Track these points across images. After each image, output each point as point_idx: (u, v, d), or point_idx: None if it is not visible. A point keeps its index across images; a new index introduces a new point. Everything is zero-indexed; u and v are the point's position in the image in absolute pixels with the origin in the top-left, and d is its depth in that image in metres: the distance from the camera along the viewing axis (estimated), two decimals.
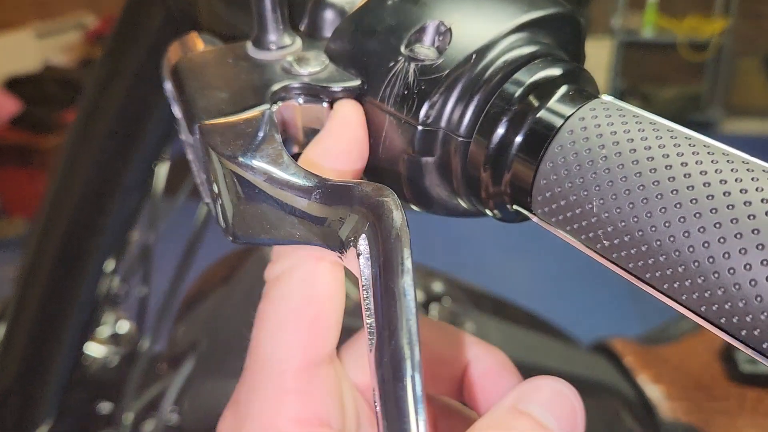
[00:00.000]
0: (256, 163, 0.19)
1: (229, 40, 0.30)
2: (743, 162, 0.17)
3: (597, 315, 2.40)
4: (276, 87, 0.21)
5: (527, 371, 0.71)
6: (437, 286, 0.71)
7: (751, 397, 0.83)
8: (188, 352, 0.63)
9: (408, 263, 0.15)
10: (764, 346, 0.15)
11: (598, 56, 4.24)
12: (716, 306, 0.16)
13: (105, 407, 0.61)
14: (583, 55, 0.23)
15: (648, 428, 0.79)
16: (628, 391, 0.82)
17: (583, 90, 0.20)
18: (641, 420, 0.79)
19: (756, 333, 0.15)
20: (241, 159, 0.19)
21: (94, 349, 0.63)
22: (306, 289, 0.20)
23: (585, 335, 0.98)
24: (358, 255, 0.16)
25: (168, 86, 0.25)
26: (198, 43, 0.26)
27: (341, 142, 0.20)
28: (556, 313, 1.03)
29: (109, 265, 0.46)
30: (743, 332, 0.15)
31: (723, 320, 0.16)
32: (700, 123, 4.47)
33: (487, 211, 0.21)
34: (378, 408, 0.15)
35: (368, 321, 0.16)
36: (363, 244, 0.16)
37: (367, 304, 0.16)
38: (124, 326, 0.66)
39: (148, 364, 0.62)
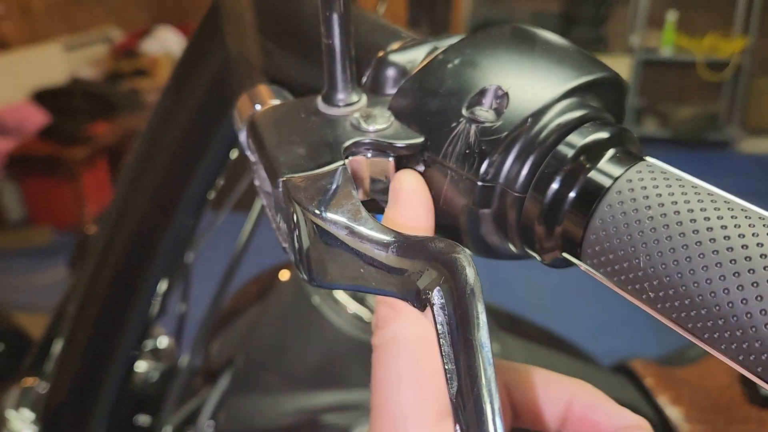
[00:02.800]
0: (338, 217, 0.21)
1: (289, 86, 0.32)
2: None
3: (617, 334, 2.40)
4: (347, 143, 0.24)
5: None
6: None
7: None
8: (224, 368, 0.65)
9: (483, 317, 0.17)
10: None
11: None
12: (753, 356, 0.17)
13: (144, 420, 0.63)
14: (623, 107, 0.25)
15: None
16: (648, 412, 0.84)
17: (629, 151, 0.22)
18: None
19: None
20: (322, 212, 0.21)
21: (137, 365, 0.66)
22: (421, 348, 0.21)
23: (604, 354, 0.99)
24: (433, 305, 0.18)
25: (243, 137, 0.27)
26: (266, 94, 0.29)
27: (414, 210, 0.22)
28: (577, 332, 1.04)
29: (162, 285, 0.49)
30: None
31: (760, 369, 0.18)
32: (717, 142, 4.46)
33: (537, 257, 0.23)
34: None
35: (447, 367, 0.17)
36: (437, 296, 0.18)
37: (447, 353, 0.18)
38: (163, 342, 0.68)
39: (187, 379, 0.65)
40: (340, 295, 0.64)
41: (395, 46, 0.27)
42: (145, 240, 0.46)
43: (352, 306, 0.64)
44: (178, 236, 0.46)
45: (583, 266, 0.22)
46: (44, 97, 3.18)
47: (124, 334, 0.48)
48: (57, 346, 0.57)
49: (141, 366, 0.65)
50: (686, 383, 0.90)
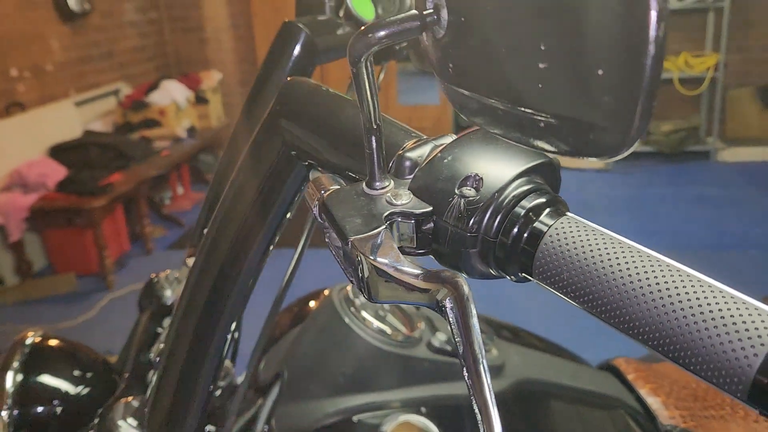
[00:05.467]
0: (385, 260, 0.33)
1: (336, 171, 0.47)
2: (654, 258, 0.29)
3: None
4: (386, 213, 0.35)
5: (546, 389, 0.86)
6: None
7: (741, 404, 0.98)
8: (273, 381, 0.76)
9: (474, 312, 0.30)
10: (691, 368, 0.26)
11: None
12: (663, 346, 0.27)
13: (211, 430, 0.73)
14: (558, 184, 0.37)
15: None
16: (632, 403, 0.92)
17: (558, 210, 0.33)
18: (645, 428, 0.89)
19: (712, 372, 0.26)
20: (376, 258, 0.34)
21: None
22: None
23: (593, 356, 1.08)
24: (445, 308, 0.31)
25: (316, 211, 0.39)
26: (326, 182, 0.41)
27: None
28: (567, 337, 1.16)
29: (233, 325, 0.61)
30: (707, 373, 0.26)
31: (671, 354, 0.27)
32: (698, 153, 4.63)
33: (507, 277, 0.36)
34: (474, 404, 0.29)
35: (457, 340, 0.30)
36: (449, 303, 0.31)
37: (456, 333, 0.30)
38: (226, 363, 0.77)
39: (243, 393, 0.74)
40: (366, 314, 0.77)
41: (409, 144, 0.40)
42: (222, 289, 0.57)
43: (376, 323, 0.77)
44: (246, 285, 0.58)
45: (535, 281, 0.33)
46: (61, 152, 3.36)
47: (207, 363, 0.60)
48: (151, 373, 0.70)
49: None
50: (666, 376, 1.00)
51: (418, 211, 0.35)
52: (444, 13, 0.31)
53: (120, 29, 4.39)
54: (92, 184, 3.10)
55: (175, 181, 4.17)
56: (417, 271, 0.33)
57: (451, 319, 0.31)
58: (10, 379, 0.68)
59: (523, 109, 0.29)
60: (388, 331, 0.77)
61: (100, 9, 4.12)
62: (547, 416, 0.86)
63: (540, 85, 0.27)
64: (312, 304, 0.85)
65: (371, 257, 0.34)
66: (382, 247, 0.34)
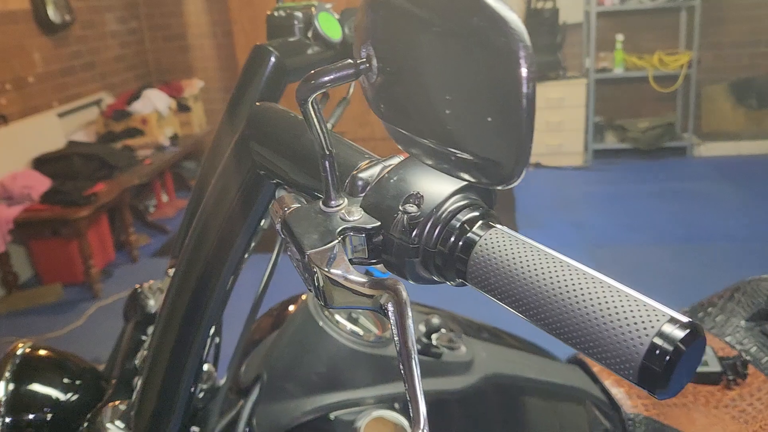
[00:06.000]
0: (338, 271, 0.39)
1: (300, 190, 0.52)
2: (565, 263, 0.34)
3: None
4: (339, 229, 0.39)
5: (513, 383, 0.91)
6: (435, 320, 0.87)
7: (703, 393, 0.98)
8: (254, 383, 0.79)
9: (409, 313, 0.35)
10: (597, 356, 0.31)
11: (576, 95, 4.50)
12: (574, 339, 0.31)
13: (195, 430, 0.77)
14: (494, 199, 0.42)
15: (615, 422, 0.93)
16: (597, 394, 0.97)
17: (489, 223, 0.37)
18: (609, 416, 0.93)
19: (610, 359, 0.30)
20: (330, 269, 0.39)
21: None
22: None
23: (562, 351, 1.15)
24: (388, 311, 0.36)
25: (279, 227, 0.44)
26: (289, 200, 0.48)
27: None
28: (539, 334, 1.21)
29: (212, 330, 0.65)
30: (606, 359, 0.30)
31: (579, 346, 0.31)
32: (675, 149, 4.72)
33: (447, 282, 0.40)
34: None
35: (396, 340, 0.35)
36: (390, 306, 0.35)
37: (396, 333, 0.34)
38: (205, 367, 0.80)
39: (224, 395, 0.79)
40: (339, 317, 0.81)
41: (362, 165, 0.44)
42: (201, 297, 0.61)
43: (349, 325, 0.81)
44: (223, 292, 0.62)
45: (470, 286, 0.39)
46: (44, 163, 3.38)
47: (188, 366, 0.64)
48: (136, 379, 0.73)
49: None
50: None
51: (368, 226, 0.40)
52: (374, 62, 0.36)
53: (101, 40, 4.40)
54: (76, 194, 3.12)
55: (159, 189, 4.19)
56: (364, 280, 0.37)
57: (391, 320, 0.35)
58: (2, 389, 0.71)
59: (441, 145, 0.34)
60: (360, 332, 0.81)
61: (81, 20, 4.14)
62: (514, 409, 0.90)
63: (449, 127, 0.33)
64: (291, 308, 0.89)
65: (325, 269, 0.38)
66: (335, 259, 0.39)
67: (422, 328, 0.86)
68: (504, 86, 0.29)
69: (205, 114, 4.74)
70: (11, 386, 0.72)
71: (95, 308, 3.05)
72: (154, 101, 4.08)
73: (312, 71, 0.37)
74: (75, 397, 0.76)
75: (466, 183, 0.39)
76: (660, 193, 4.06)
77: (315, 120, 0.39)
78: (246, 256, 0.66)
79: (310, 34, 0.79)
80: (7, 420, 0.70)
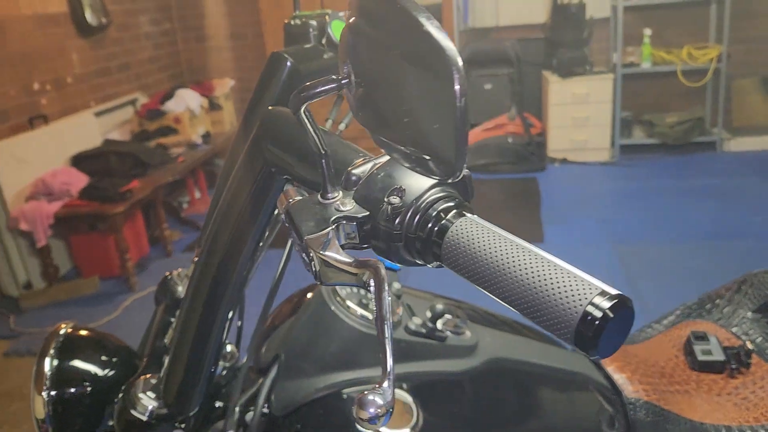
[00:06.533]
0: (330, 253, 0.45)
1: (306, 185, 0.59)
2: (521, 246, 0.39)
3: None
4: (333, 218, 0.45)
5: (516, 367, 0.96)
6: (440, 306, 0.91)
7: (707, 381, 1.00)
8: (273, 362, 0.86)
9: (386, 289, 0.41)
10: (557, 332, 0.35)
11: (602, 90, 4.49)
12: (535, 314, 0.37)
13: (219, 404, 0.84)
14: (470, 192, 0.48)
15: (617, 407, 0.96)
16: (600, 379, 1.00)
17: (462, 212, 0.43)
18: (611, 400, 0.97)
19: (553, 325, 0.36)
20: (323, 251, 0.45)
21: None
22: None
23: None
24: (370, 286, 0.42)
25: (283, 217, 0.51)
26: (292, 193, 0.54)
27: None
28: None
29: (231, 313, 0.72)
30: (550, 326, 0.36)
31: (545, 323, 0.36)
32: (704, 144, 4.68)
33: (426, 264, 0.46)
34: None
35: (376, 312, 0.41)
36: (371, 282, 0.42)
37: (374, 306, 0.43)
38: (228, 348, 0.88)
39: (245, 373, 0.85)
40: (350, 303, 0.87)
41: (357, 162, 0.50)
42: (221, 281, 0.68)
43: (359, 310, 0.86)
44: (241, 276, 0.68)
45: (446, 267, 0.45)
46: (82, 161, 3.52)
47: (210, 344, 0.71)
48: (165, 355, 0.79)
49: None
50: (635, 356, 1.08)
51: (359, 215, 0.46)
52: (353, 78, 0.43)
53: (136, 41, 4.55)
54: (112, 191, 3.24)
55: (191, 186, 4.31)
56: (350, 260, 0.44)
57: (372, 294, 0.42)
58: (48, 364, 0.79)
59: (406, 146, 0.41)
60: (370, 316, 0.88)
61: (117, 22, 4.28)
62: (517, 391, 0.95)
63: (409, 132, 0.40)
64: (308, 295, 0.95)
65: (319, 251, 0.45)
66: (328, 244, 0.45)
67: (428, 313, 0.92)
68: (444, 100, 0.36)
69: (235, 112, 4.85)
70: (55, 362, 0.80)
71: (131, 300, 3.18)
72: (186, 100, 4.20)
73: (302, 85, 0.44)
74: (112, 372, 0.83)
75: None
76: (688, 189, 4.03)
77: (309, 126, 0.46)
78: (261, 244, 0.73)
79: (324, 41, 0.85)
80: (52, 393, 0.78)
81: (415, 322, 0.90)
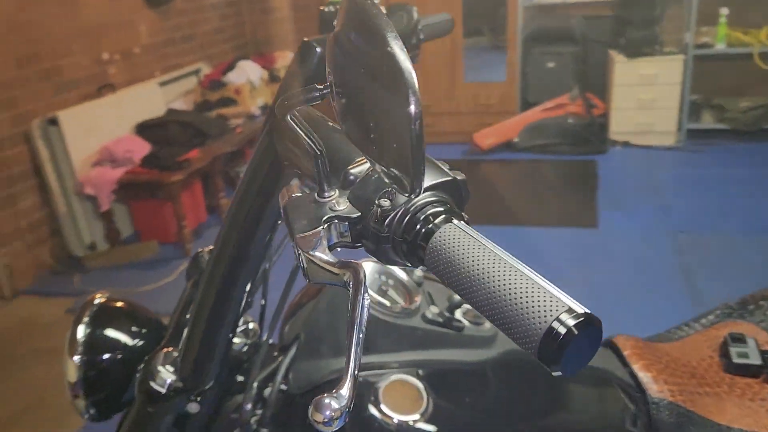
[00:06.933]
0: (316, 253, 0.46)
1: (310, 178, 0.60)
2: (500, 258, 0.41)
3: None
4: (326, 217, 0.45)
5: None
6: (457, 297, 0.91)
7: (740, 384, 0.98)
8: (293, 342, 0.89)
9: (363, 290, 0.42)
10: (524, 345, 0.36)
11: (671, 72, 4.30)
12: (510, 329, 0.37)
13: (240, 378, 0.88)
14: (463, 198, 0.48)
15: (640, 405, 0.95)
16: (624, 376, 0.99)
17: (449, 218, 0.42)
18: (634, 398, 0.95)
19: (520, 338, 0.36)
20: (311, 251, 0.46)
21: (235, 341, 0.86)
22: None
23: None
24: (350, 286, 0.43)
25: (282, 213, 0.52)
26: (294, 188, 0.55)
27: None
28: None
29: (248, 287, 0.75)
30: (518, 338, 0.36)
31: (516, 337, 0.36)
32: None
33: (412, 266, 0.47)
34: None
35: (349, 314, 0.42)
36: (350, 284, 0.43)
37: (350, 308, 0.42)
38: (251, 325, 0.91)
39: (267, 350, 0.88)
40: (369, 291, 0.86)
41: (357, 161, 0.51)
42: (237, 258, 0.71)
43: (378, 297, 0.89)
44: (257, 255, 0.72)
45: (429, 269, 0.46)
46: (145, 129, 3.64)
47: (226, 318, 0.74)
48: (184, 329, 0.82)
49: (237, 342, 0.87)
50: (666, 354, 1.06)
51: (351, 216, 0.47)
52: (334, 88, 0.44)
53: (201, 12, 4.64)
54: (171, 159, 3.35)
55: (249, 157, 4.40)
56: (334, 260, 0.45)
57: (351, 294, 0.43)
58: (81, 331, 0.84)
59: (377, 160, 0.42)
60: (387, 303, 0.89)
61: None
62: (534, 385, 0.94)
63: (375, 147, 0.41)
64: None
65: (306, 251, 0.46)
66: (319, 245, 0.46)
67: (446, 303, 0.93)
68: (400, 121, 0.36)
69: None
70: (88, 330, 0.85)
71: (186, 265, 3.29)
72: (247, 72, 4.27)
73: (286, 94, 0.45)
74: (141, 342, 0.87)
75: (433, 183, 0.45)
76: (758, 179, 3.85)
77: (299, 129, 0.47)
78: (275, 229, 0.75)
79: None
80: (84, 358, 0.83)
81: (432, 311, 0.91)
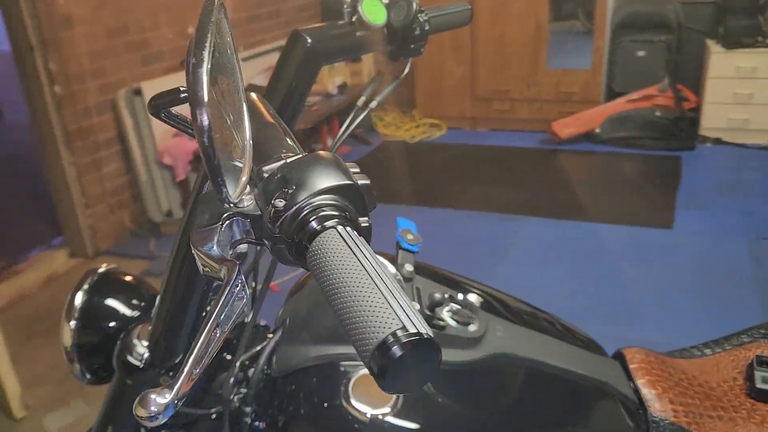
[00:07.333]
0: (202, 248, 0.46)
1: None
2: (362, 270, 0.41)
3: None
4: (225, 215, 0.47)
5: (524, 365, 0.93)
6: (437, 295, 0.89)
7: (762, 411, 0.92)
8: (279, 326, 0.91)
9: (231, 284, 0.43)
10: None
11: None
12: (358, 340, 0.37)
13: (227, 357, 0.90)
14: (364, 206, 0.47)
15: (639, 423, 0.91)
16: (626, 391, 0.94)
17: (337, 222, 0.43)
18: (634, 416, 0.92)
19: (360, 347, 0.37)
20: (196, 247, 0.46)
21: None
22: None
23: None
24: (223, 280, 0.44)
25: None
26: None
27: None
28: (588, 325, 1.19)
29: None
30: (358, 348, 0.37)
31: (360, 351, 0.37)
32: None
33: (300, 266, 0.46)
34: None
35: (211, 308, 0.43)
36: (225, 276, 0.45)
37: (216, 298, 0.44)
38: None
39: (252, 331, 0.90)
40: None
41: (273, 158, 0.50)
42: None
43: None
44: None
45: (310, 271, 0.45)
46: None
47: (192, 298, 0.74)
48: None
49: None
50: (682, 372, 1.00)
51: (251, 214, 0.48)
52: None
53: None
54: None
55: (325, 134, 4.48)
56: (215, 256, 0.46)
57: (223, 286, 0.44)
58: (79, 298, 0.89)
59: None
60: None
61: None
62: (518, 391, 0.92)
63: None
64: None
65: (195, 246, 0.47)
66: (211, 238, 0.47)
67: (427, 301, 0.91)
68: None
69: (374, 64, 4.92)
70: (85, 297, 0.90)
71: None
72: None
73: (153, 95, 0.46)
74: (136, 314, 0.91)
75: (335, 185, 0.45)
76: None
77: (176, 126, 0.48)
78: None
79: (354, 19, 0.85)
80: (79, 324, 0.89)
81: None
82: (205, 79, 0.36)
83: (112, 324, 0.90)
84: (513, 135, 4.68)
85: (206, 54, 0.37)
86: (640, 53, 4.42)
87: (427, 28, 0.87)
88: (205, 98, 0.36)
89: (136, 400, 0.38)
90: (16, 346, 2.46)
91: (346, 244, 0.42)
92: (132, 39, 3.47)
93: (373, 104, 0.93)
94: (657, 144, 4.24)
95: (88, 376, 0.89)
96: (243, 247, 0.51)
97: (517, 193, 3.80)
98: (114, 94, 3.39)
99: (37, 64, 3.04)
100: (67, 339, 0.88)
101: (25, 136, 3.88)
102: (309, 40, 0.79)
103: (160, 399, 0.39)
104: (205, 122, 0.36)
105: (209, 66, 0.37)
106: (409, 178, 4.14)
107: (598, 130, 4.34)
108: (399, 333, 0.35)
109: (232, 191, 0.49)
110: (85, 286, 0.91)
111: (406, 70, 0.91)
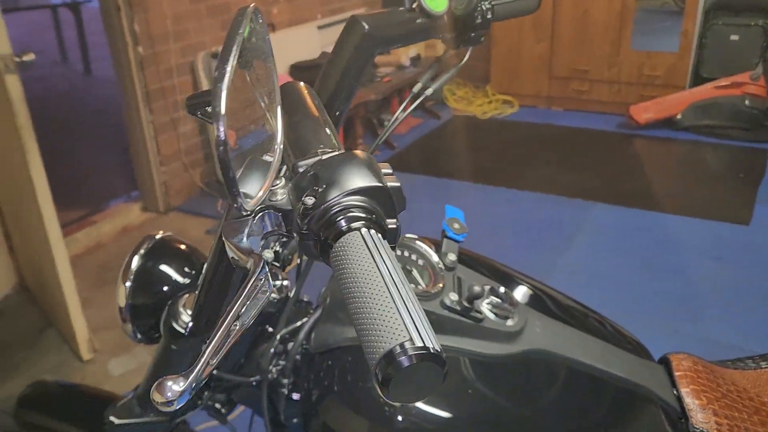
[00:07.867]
0: (232, 239, 0.49)
1: None
2: (379, 279, 0.40)
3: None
4: (258, 207, 0.50)
5: (565, 364, 0.91)
6: (477, 288, 0.88)
7: None
8: (320, 304, 0.93)
9: (256, 277, 0.46)
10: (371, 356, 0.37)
11: None
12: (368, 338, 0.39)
13: (267, 329, 0.94)
14: (391, 209, 0.47)
15: None
16: (668, 398, 0.92)
17: (364, 224, 0.44)
18: (675, 425, 0.89)
19: (368, 353, 0.38)
20: (226, 237, 0.50)
21: None
22: None
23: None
24: (249, 272, 0.47)
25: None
26: None
27: None
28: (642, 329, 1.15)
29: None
30: (366, 353, 0.38)
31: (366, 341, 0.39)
32: None
33: (324, 262, 0.47)
34: None
35: (234, 301, 0.47)
36: (251, 268, 0.48)
37: (239, 291, 0.48)
38: (284, 282, 0.96)
39: (293, 307, 0.93)
40: None
41: (315, 152, 0.52)
42: None
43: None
44: None
45: (333, 270, 0.44)
46: (298, 70, 3.82)
47: (235, 270, 0.72)
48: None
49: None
50: (731, 383, 0.97)
51: (283, 208, 0.50)
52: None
53: None
54: None
55: (396, 106, 4.47)
56: (243, 247, 0.48)
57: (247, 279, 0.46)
58: (135, 261, 0.94)
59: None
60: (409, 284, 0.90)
61: None
62: (552, 390, 0.91)
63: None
64: None
65: (226, 236, 0.50)
66: (242, 230, 0.49)
67: (466, 293, 0.91)
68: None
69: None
70: (141, 261, 0.95)
71: None
72: None
73: (189, 95, 0.48)
74: (187, 282, 0.95)
75: (365, 186, 0.46)
76: None
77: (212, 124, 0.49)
78: None
79: (415, 6, 0.84)
80: (134, 285, 0.93)
81: (450, 298, 0.90)
82: (224, 95, 0.37)
83: (164, 289, 0.94)
84: (588, 117, 4.53)
85: (229, 68, 0.38)
86: (734, 37, 4.16)
87: (489, 16, 0.85)
88: (223, 111, 0.37)
89: (154, 386, 0.41)
90: (87, 292, 2.62)
91: (368, 248, 0.42)
92: (214, 3, 3.54)
93: (429, 91, 0.93)
94: (743, 135, 4.01)
95: (138, 336, 0.93)
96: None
97: (588, 178, 3.69)
98: (194, 56, 3.48)
99: (123, 24, 3.15)
100: (122, 299, 0.93)
101: (113, 91, 4.05)
102: (366, 27, 0.79)
103: (176, 386, 0.41)
104: (222, 135, 0.37)
105: (230, 81, 0.38)
106: (476, 154, 4.09)
107: (679, 117, 4.14)
108: (407, 345, 0.36)
109: (257, 188, 0.50)
110: (142, 251, 0.95)
111: (465, 58, 0.90)
